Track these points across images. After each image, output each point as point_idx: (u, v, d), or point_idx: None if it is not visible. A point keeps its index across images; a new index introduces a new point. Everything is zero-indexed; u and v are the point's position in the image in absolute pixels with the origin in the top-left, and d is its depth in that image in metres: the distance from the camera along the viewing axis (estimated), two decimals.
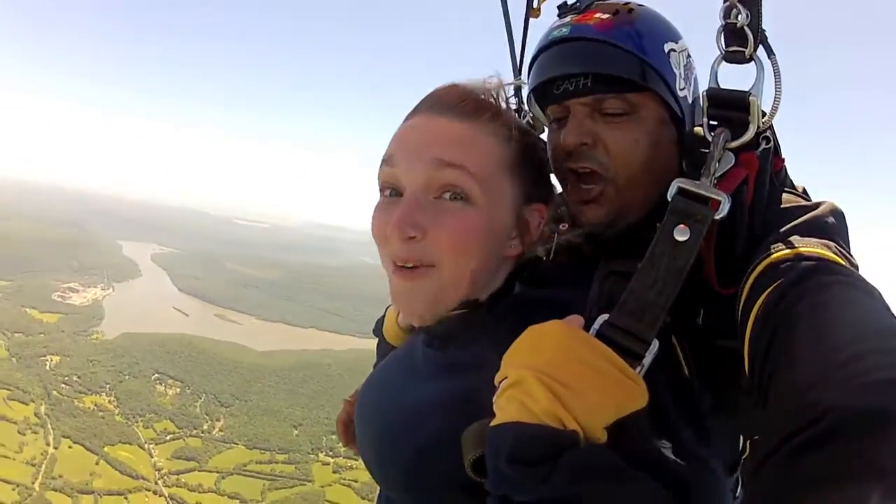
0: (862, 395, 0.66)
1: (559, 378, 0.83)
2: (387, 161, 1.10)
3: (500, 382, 0.90)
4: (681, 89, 1.29)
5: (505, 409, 0.85)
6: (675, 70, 1.28)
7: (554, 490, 0.76)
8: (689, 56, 1.34)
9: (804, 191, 1.28)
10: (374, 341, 1.65)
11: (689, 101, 1.32)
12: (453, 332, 1.13)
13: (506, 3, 1.82)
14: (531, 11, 1.69)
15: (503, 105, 1.17)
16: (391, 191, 1.10)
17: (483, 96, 1.15)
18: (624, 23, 1.28)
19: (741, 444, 1.34)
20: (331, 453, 71.40)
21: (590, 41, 1.28)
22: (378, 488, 1.28)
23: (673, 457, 0.85)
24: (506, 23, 1.83)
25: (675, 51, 1.29)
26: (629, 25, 1.28)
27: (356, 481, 65.97)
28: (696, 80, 1.36)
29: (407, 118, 1.15)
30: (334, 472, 69.19)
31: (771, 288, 0.94)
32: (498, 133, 1.11)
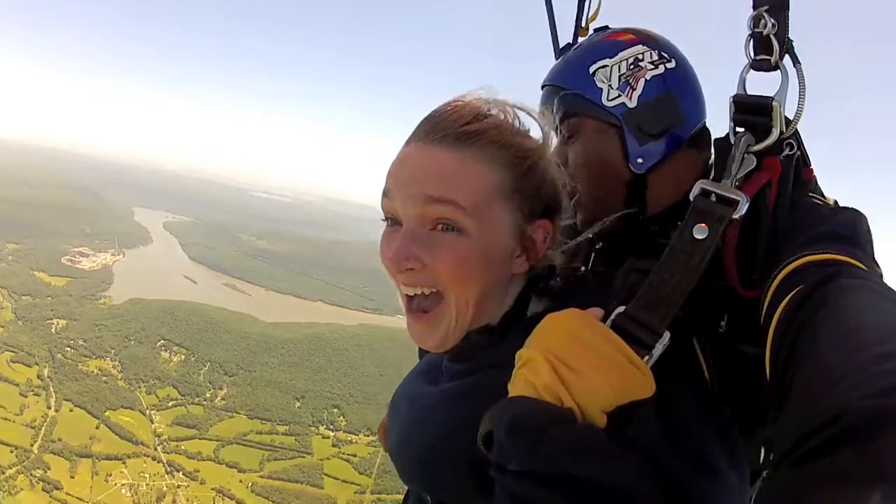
0: (881, 396, 0.65)
1: (565, 359, 0.88)
2: (385, 194, 1.14)
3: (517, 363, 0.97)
4: (612, 99, 1.39)
5: (515, 385, 0.93)
6: (602, 85, 1.40)
7: (542, 462, 0.81)
8: (633, 63, 1.40)
9: (836, 203, 1.27)
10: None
11: (632, 104, 1.39)
12: (469, 355, 1.20)
13: (554, 23, 1.99)
14: (580, 31, 1.88)
15: (509, 123, 1.16)
16: (391, 220, 1.15)
17: (485, 116, 1.14)
18: (561, 60, 1.54)
19: (762, 455, 1.33)
20: (331, 427, 71.13)
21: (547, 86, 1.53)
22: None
23: (677, 458, 0.87)
24: (553, 36, 1.98)
25: (604, 67, 1.41)
26: (564, 62, 1.52)
27: (355, 456, 66.09)
28: (648, 81, 1.40)
29: (405, 144, 1.16)
30: (334, 445, 68.98)
31: (793, 293, 0.95)
32: (494, 159, 1.10)
